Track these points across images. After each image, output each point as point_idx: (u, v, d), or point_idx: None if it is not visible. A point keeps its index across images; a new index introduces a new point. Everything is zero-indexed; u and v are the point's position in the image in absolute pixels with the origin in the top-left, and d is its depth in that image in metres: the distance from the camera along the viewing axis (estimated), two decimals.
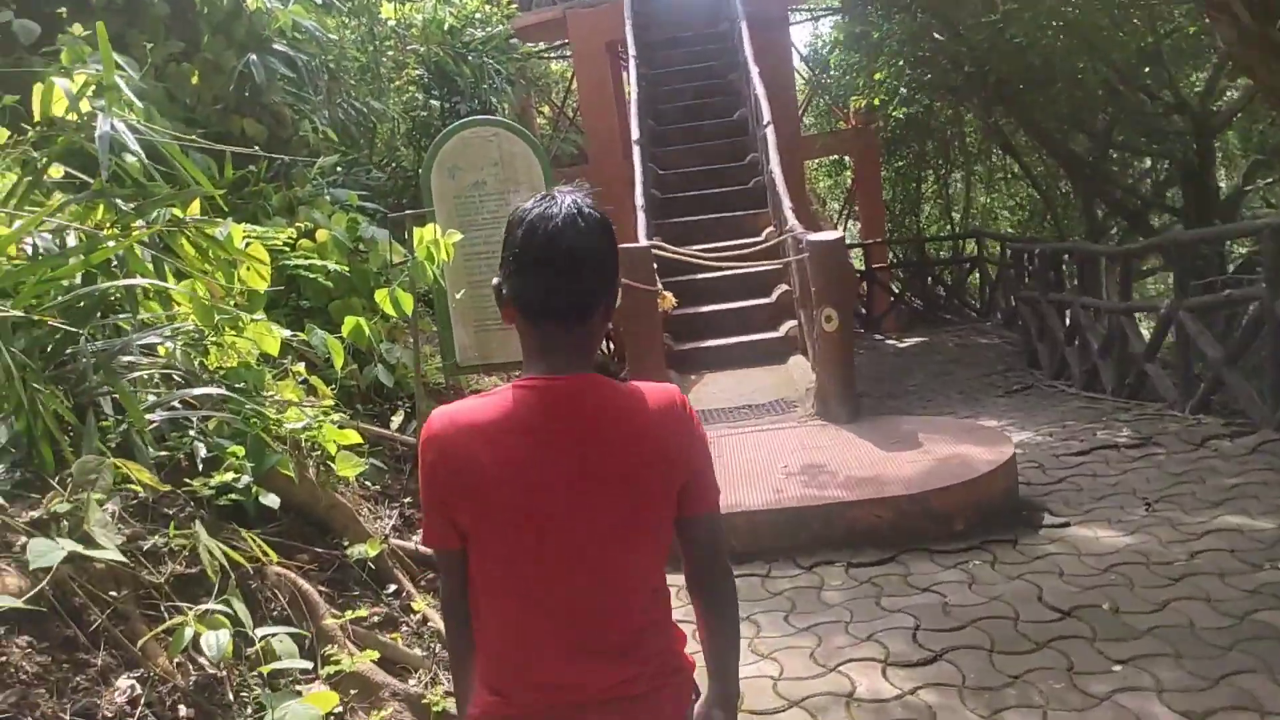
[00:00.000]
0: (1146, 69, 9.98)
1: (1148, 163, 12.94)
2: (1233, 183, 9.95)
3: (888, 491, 4.17)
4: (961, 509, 4.17)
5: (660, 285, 5.55)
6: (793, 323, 7.32)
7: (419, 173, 8.48)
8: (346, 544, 3.68)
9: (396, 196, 8.10)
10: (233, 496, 3.04)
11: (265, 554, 2.98)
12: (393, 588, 3.68)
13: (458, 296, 4.81)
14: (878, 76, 8.61)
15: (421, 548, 4.09)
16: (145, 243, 3.28)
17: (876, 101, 8.94)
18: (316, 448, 3.86)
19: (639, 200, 7.67)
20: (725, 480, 4.55)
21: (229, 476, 3.07)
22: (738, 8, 10.18)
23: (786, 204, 7.00)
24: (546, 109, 16.09)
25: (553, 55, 16.08)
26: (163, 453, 3.06)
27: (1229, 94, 10.13)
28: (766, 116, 8.02)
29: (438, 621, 3.64)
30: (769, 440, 5.22)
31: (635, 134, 8.26)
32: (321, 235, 5.04)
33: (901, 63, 8.23)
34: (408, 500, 4.43)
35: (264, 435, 3.36)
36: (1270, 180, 10.87)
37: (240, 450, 3.27)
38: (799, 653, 3.29)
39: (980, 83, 8.57)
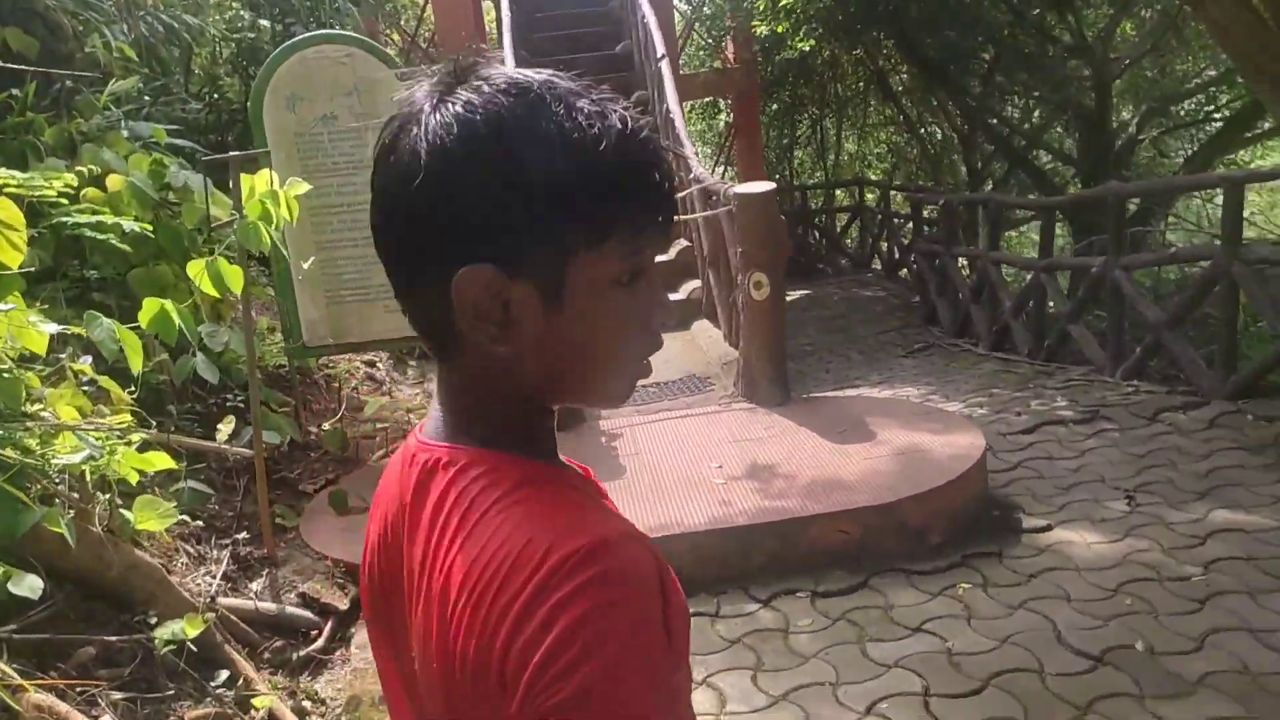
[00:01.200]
0: (1036, 11, 9.63)
1: (1021, 107, 12.78)
2: (1127, 130, 9.82)
3: (853, 501, 3.46)
4: (937, 519, 3.50)
5: None
6: (695, 284, 6.54)
7: (248, 106, 7.14)
8: (154, 620, 2.65)
9: (219, 133, 6.74)
10: None
11: (9, 683, 1.95)
12: (224, 674, 2.68)
13: (305, 265, 3.73)
14: (784, 2, 7.81)
15: (261, 605, 3.09)
16: None
17: (780, 29, 8.16)
18: (107, 483, 2.78)
19: None
20: (652, 487, 3.73)
21: None
22: None
23: (689, 149, 6.15)
24: (397, 37, 14.51)
25: None
26: None
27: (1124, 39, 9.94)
28: (660, 50, 7.09)
29: (290, 718, 2.67)
30: (692, 430, 4.43)
31: (511, 66, 7.16)
32: (114, 182, 3.83)
33: None
34: (243, 535, 3.39)
35: (11, 488, 2.27)
36: (1161, 130, 10.85)
37: None
38: None
39: (896, 16, 7.92)
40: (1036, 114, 12.75)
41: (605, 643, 0.60)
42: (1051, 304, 6.66)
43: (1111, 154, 8.90)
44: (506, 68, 0.72)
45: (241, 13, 7.79)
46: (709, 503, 3.56)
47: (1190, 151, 11.28)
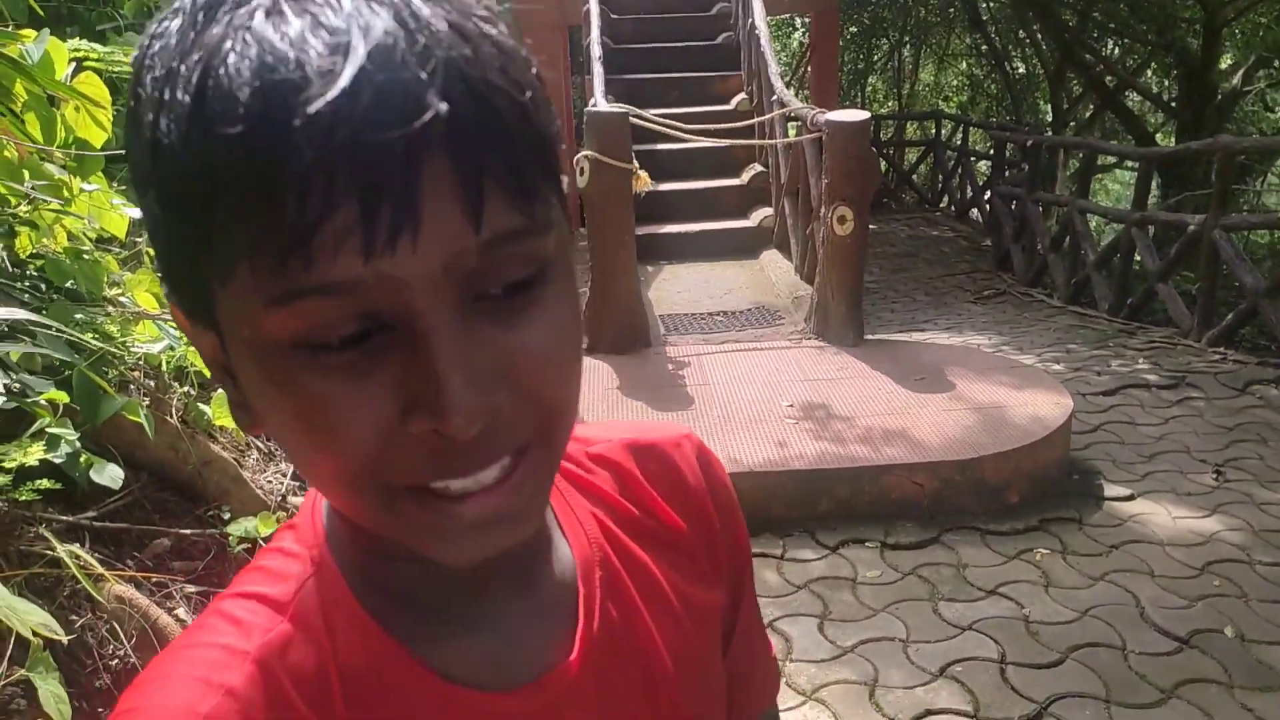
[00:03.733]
0: None
1: (1118, 45, 12.12)
2: (1230, 80, 9.23)
3: (930, 454, 3.34)
4: (1017, 479, 3.38)
5: (636, 161, 4.44)
6: (767, 211, 6.33)
7: None
8: (228, 516, 2.64)
9: None
10: (42, 485, 1.94)
11: (91, 573, 1.93)
12: None
13: None
14: None
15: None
16: None
17: None
18: (185, 374, 2.75)
19: (595, 50, 6.38)
20: (721, 421, 3.64)
21: (38, 451, 1.96)
22: None
23: (774, 69, 5.87)
24: None
25: None
26: None
27: None
28: None
29: None
30: (760, 364, 4.31)
31: None
32: None
33: None
34: None
35: (91, 375, 2.23)
36: (1268, 84, 10.20)
37: (62, 396, 2.16)
38: (853, 693, 2.48)
39: None
40: (1131, 55, 12.10)
41: None
42: (1137, 260, 6.38)
43: (1213, 104, 8.42)
44: None
45: None
46: (778, 441, 3.46)
47: None
